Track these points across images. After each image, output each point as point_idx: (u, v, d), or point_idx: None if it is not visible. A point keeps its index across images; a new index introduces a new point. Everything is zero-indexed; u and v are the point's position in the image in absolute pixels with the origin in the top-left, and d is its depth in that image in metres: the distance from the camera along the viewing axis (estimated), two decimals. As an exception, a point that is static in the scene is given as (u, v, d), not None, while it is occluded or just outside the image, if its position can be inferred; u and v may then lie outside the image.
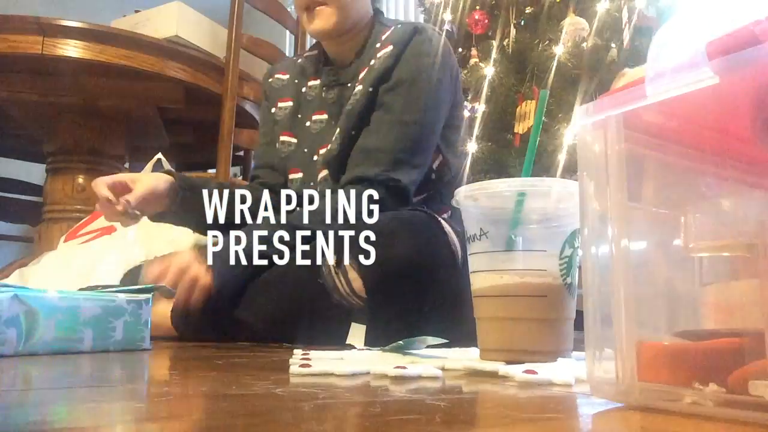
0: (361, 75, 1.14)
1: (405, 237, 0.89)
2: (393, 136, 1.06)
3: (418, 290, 0.91)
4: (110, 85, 1.87)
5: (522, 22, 2.15)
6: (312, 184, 1.16)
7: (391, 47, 1.11)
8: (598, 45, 1.90)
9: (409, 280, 0.89)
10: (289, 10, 2.43)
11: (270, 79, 1.31)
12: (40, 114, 1.99)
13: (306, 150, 1.20)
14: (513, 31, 2.09)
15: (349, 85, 1.17)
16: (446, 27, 2.29)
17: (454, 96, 1.17)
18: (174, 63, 1.85)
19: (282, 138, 1.23)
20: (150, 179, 1.10)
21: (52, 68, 1.76)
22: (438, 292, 0.94)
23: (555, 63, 1.87)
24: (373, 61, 1.13)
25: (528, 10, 2.13)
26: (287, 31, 2.30)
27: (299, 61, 1.31)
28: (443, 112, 1.13)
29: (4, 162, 2.51)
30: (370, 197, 0.98)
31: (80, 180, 1.98)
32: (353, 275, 0.89)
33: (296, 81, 1.27)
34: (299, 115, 1.23)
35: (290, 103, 1.25)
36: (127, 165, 2.37)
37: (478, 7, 2.17)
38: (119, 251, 1.49)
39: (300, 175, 1.19)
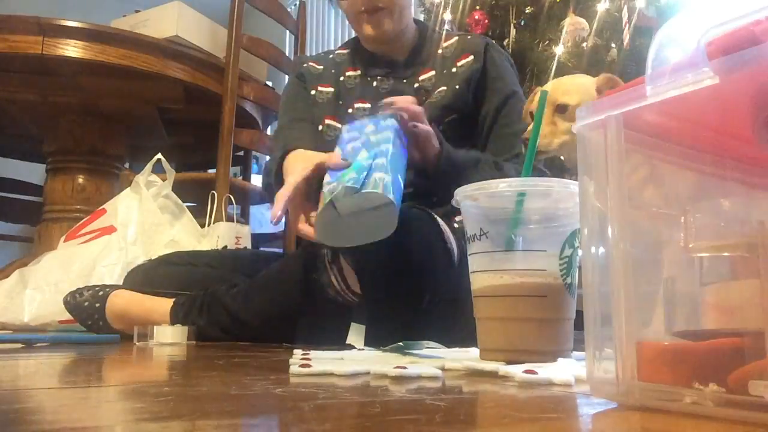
0: (426, 75, 1.22)
1: (401, 234, 0.88)
2: (521, 147, 1.14)
3: (413, 288, 0.92)
4: (110, 85, 1.87)
5: (522, 22, 2.14)
6: None
7: (472, 57, 1.21)
8: (598, 45, 1.90)
9: (404, 277, 0.89)
10: (289, 10, 2.43)
11: (305, 65, 1.32)
12: (40, 114, 1.99)
13: None
14: (513, 31, 2.09)
15: (405, 81, 1.23)
16: (446, 27, 2.29)
17: None
18: (174, 63, 1.85)
19: (327, 122, 1.23)
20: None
21: (52, 68, 1.76)
22: (434, 291, 0.94)
23: (555, 63, 1.87)
24: (454, 69, 1.21)
25: (528, 10, 2.13)
26: (287, 31, 2.30)
27: (330, 56, 1.34)
28: None
29: (4, 162, 2.51)
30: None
31: (80, 180, 1.99)
32: (348, 271, 0.90)
33: (333, 71, 1.29)
34: (341, 102, 1.25)
35: (331, 89, 1.26)
36: (127, 165, 2.37)
37: (478, 7, 2.17)
38: (119, 251, 1.49)
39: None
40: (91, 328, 1.09)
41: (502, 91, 1.20)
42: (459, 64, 1.21)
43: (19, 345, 0.83)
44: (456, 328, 0.97)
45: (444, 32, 1.30)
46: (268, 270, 1.00)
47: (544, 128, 1.03)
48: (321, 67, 1.31)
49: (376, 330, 0.93)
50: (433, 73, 1.22)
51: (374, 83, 1.24)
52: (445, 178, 0.99)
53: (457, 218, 1.11)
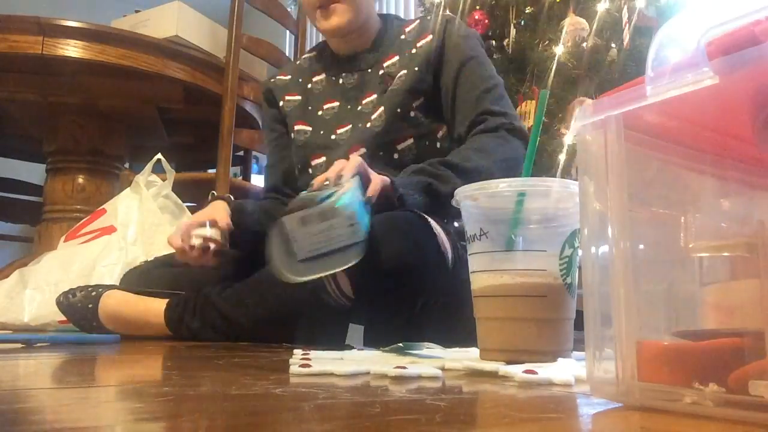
0: (391, 61, 1.21)
1: (393, 238, 0.88)
2: (487, 103, 1.14)
3: (407, 291, 0.91)
4: (110, 85, 1.87)
5: (522, 22, 2.14)
6: None
7: (430, 36, 1.19)
8: (598, 45, 1.90)
9: (397, 281, 0.89)
10: (289, 10, 2.43)
11: (272, 80, 1.35)
12: (40, 114, 1.99)
13: (322, 132, 1.23)
14: (513, 31, 2.09)
15: (369, 70, 1.22)
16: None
17: None
18: (174, 63, 1.85)
19: (297, 127, 1.26)
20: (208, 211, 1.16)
21: (52, 68, 1.76)
22: (428, 293, 0.94)
23: (555, 63, 1.87)
24: (414, 50, 1.19)
25: (528, 10, 2.13)
26: (287, 31, 2.30)
27: (297, 63, 1.36)
28: None
29: (4, 162, 2.51)
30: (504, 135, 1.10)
31: (80, 180, 1.99)
32: (341, 275, 0.89)
33: (300, 80, 1.31)
34: (309, 107, 1.27)
35: (298, 97, 1.29)
36: (127, 165, 2.37)
37: (478, 7, 2.17)
38: (119, 251, 1.49)
39: (323, 159, 1.21)
40: (83, 328, 1.08)
41: (457, 59, 1.17)
42: (419, 45, 1.20)
43: (19, 345, 0.83)
44: (454, 328, 0.96)
45: (400, 19, 1.29)
46: (262, 271, 1.00)
47: None
48: (288, 77, 1.33)
49: (374, 331, 0.93)
50: (397, 57, 1.21)
51: (340, 80, 1.26)
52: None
53: (456, 223, 1.12)
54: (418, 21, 1.25)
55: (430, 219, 0.95)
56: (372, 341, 0.90)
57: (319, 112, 1.25)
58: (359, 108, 1.20)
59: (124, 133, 2.11)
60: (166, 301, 1.06)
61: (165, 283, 1.13)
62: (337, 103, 1.24)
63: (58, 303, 1.10)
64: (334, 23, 1.19)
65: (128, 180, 1.88)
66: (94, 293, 1.08)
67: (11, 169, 2.61)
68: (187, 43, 1.94)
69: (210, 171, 2.33)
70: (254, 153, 2.66)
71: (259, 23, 2.39)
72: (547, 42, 1.96)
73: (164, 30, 1.91)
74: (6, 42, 1.67)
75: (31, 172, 2.61)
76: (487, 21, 2.14)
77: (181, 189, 1.71)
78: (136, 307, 1.07)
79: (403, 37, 1.23)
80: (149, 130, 2.17)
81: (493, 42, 2.09)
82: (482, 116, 1.12)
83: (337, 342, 0.94)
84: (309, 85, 1.29)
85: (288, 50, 3.35)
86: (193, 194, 2.04)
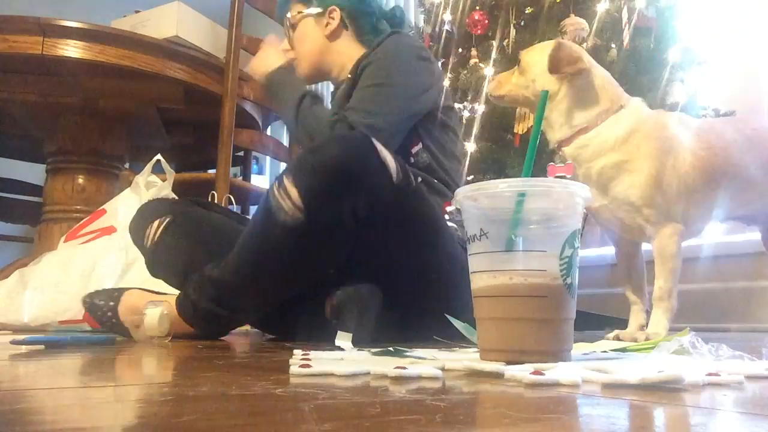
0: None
1: (331, 144, 0.97)
2: (360, 95, 1.21)
3: (349, 196, 0.96)
4: (110, 85, 1.88)
5: (522, 22, 2.15)
6: None
7: (368, 48, 1.31)
8: (598, 45, 1.90)
9: (339, 183, 0.95)
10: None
11: None
12: (40, 114, 1.99)
13: None
14: (513, 32, 2.09)
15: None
16: (446, 27, 2.29)
17: (438, 95, 1.28)
18: (174, 63, 1.85)
19: None
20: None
21: (52, 68, 1.76)
22: (372, 201, 0.98)
23: (555, 63, 1.87)
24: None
25: (528, 10, 2.13)
26: (287, 32, 2.30)
27: None
28: (415, 90, 1.24)
29: (4, 162, 2.51)
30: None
31: (80, 180, 1.99)
32: (291, 187, 0.96)
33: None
34: None
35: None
36: (127, 165, 2.37)
37: (478, 8, 2.17)
38: (119, 251, 1.49)
39: None
40: (104, 325, 1.12)
41: (368, 67, 1.24)
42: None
43: (42, 347, 0.84)
44: (417, 293, 1.05)
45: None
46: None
47: (504, 76, 1.18)
48: None
49: (324, 251, 1.00)
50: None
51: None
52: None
53: (414, 149, 1.24)
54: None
55: (374, 140, 1.00)
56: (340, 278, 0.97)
57: None
58: None
59: (124, 133, 2.11)
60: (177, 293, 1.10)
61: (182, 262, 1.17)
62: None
63: (84, 302, 1.14)
64: (297, 73, 1.38)
65: (128, 180, 1.87)
66: (116, 293, 1.13)
67: (11, 169, 2.61)
68: (187, 43, 1.94)
69: (210, 171, 2.33)
70: (254, 153, 2.66)
71: (259, 23, 2.39)
72: (547, 42, 1.96)
73: (164, 30, 1.91)
74: (6, 42, 1.67)
75: (31, 172, 2.61)
76: (487, 21, 2.14)
77: (181, 189, 1.71)
78: (151, 300, 1.10)
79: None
80: (149, 130, 2.16)
81: (493, 42, 2.09)
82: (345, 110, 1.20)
83: (318, 333, 0.97)
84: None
85: (288, 50, 3.34)
86: (193, 194, 2.03)
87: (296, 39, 1.40)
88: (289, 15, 1.41)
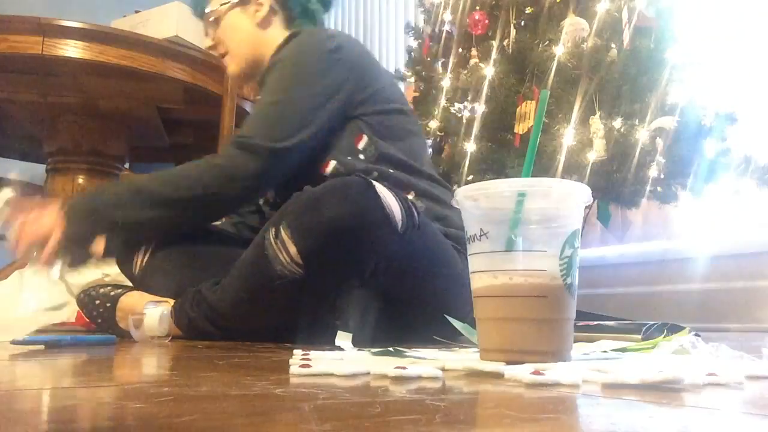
0: None
1: (331, 200, 0.91)
2: (261, 113, 1.13)
3: (352, 253, 0.93)
4: (110, 85, 1.88)
5: (522, 23, 2.15)
6: None
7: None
8: (598, 45, 1.90)
9: (341, 242, 0.90)
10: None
11: None
12: (40, 114, 1.99)
13: None
14: (513, 32, 2.09)
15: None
16: (446, 27, 2.29)
17: (359, 83, 1.17)
18: (174, 63, 1.85)
19: None
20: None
21: (52, 68, 1.76)
22: (378, 256, 0.94)
23: (555, 63, 1.87)
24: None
25: (528, 10, 2.13)
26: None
27: None
28: (323, 93, 1.13)
29: (4, 162, 2.51)
30: (213, 164, 1.09)
31: (80, 180, 1.99)
32: (289, 243, 0.91)
33: None
34: None
35: None
36: (127, 165, 2.37)
37: (478, 8, 2.17)
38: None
39: None
40: (98, 325, 1.12)
41: (266, 69, 1.18)
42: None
43: (42, 347, 0.84)
44: (417, 294, 1.02)
45: None
46: (239, 260, 1.03)
47: None
48: None
49: (326, 301, 0.96)
50: None
51: None
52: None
53: (360, 145, 1.16)
54: None
55: (375, 182, 0.95)
56: (338, 319, 0.94)
57: None
58: None
59: (124, 133, 2.11)
60: (173, 300, 1.09)
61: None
62: None
63: (78, 300, 1.13)
64: (229, 72, 1.31)
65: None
66: (113, 293, 1.12)
67: (11, 169, 2.61)
68: (187, 43, 1.94)
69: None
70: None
71: (259, 23, 2.38)
72: (547, 42, 1.96)
73: (164, 30, 1.92)
74: (6, 42, 1.67)
75: (31, 172, 2.61)
76: (487, 21, 2.14)
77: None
78: (152, 300, 1.10)
79: None
80: (149, 130, 2.17)
81: (493, 42, 2.09)
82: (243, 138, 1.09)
83: (328, 339, 0.96)
84: None
85: (288, 50, 3.34)
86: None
87: (224, 34, 1.27)
88: (208, 9, 1.27)
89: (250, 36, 1.27)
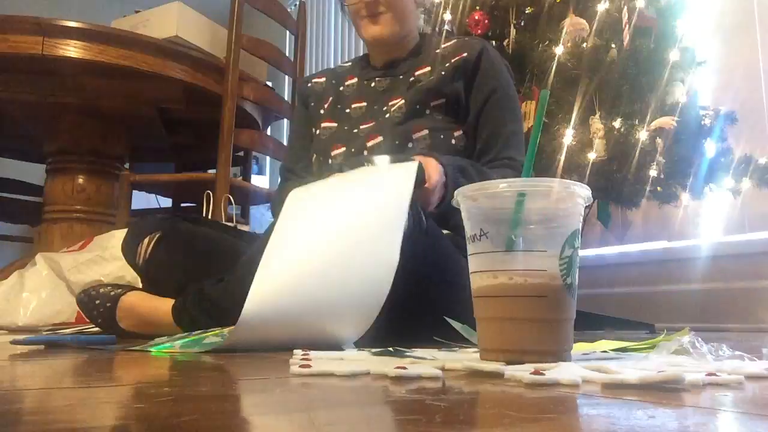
0: (423, 71, 1.28)
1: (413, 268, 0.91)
2: (512, 151, 1.24)
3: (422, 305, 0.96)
4: (110, 85, 1.88)
5: (522, 23, 2.14)
6: (362, 153, 1.24)
7: (466, 53, 1.26)
8: (598, 45, 1.90)
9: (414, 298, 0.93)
10: (289, 10, 2.42)
11: (309, 84, 1.44)
12: (40, 114, 1.99)
13: (347, 128, 1.31)
14: (513, 32, 2.09)
15: (401, 77, 1.30)
16: (446, 27, 2.29)
17: None
18: (174, 63, 1.85)
19: (323, 125, 1.34)
20: None
21: (52, 68, 1.76)
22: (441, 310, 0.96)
23: (555, 63, 1.87)
24: (447, 63, 1.26)
25: (528, 10, 2.13)
26: (287, 32, 2.30)
27: (334, 67, 1.47)
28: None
29: (4, 162, 2.51)
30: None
31: (80, 180, 1.99)
32: None
33: (333, 82, 1.40)
34: (338, 106, 1.36)
35: (330, 98, 1.38)
36: (127, 165, 2.37)
37: (478, 8, 2.17)
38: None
39: (343, 149, 1.27)
40: (98, 324, 1.12)
41: (488, 84, 1.25)
42: (453, 60, 1.27)
43: (42, 347, 0.84)
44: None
45: (444, 34, 1.36)
46: (245, 260, 1.02)
47: None
48: (323, 79, 1.42)
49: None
50: (428, 68, 1.28)
51: (372, 84, 1.34)
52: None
53: (456, 134, 1.23)
54: (455, 40, 1.32)
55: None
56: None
57: (347, 110, 1.33)
58: (384, 108, 1.27)
59: (124, 133, 2.11)
60: (172, 300, 1.09)
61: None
62: (364, 103, 1.31)
63: (78, 299, 1.13)
64: (378, 32, 1.28)
65: (128, 180, 1.88)
66: (113, 293, 1.12)
67: (11, 169, 2.61)
68: (187, 43, 1.94)
69: (210, 171, 2.34)
70: (254, 153, 2.66)
71: (259, 23, 2.39)
72: (547, 42, 1.96)
73: (164, 30, 1.92)
74: (6, 42, 1.67)
75: (31, 172, 2.61)
76: (487, 21, 2.14)
77: (181, 189, 1.71)
78: (150, 304, 1.10)
79: (438, 51, 1.29)
80: (149, 130, 2.17)
81: (493, 42, 2.09)
82: (506, 160, 1.22)
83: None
84: (341, 88, 1.37)
85: (288, 50, 3.35)
86: (194, 194, 2.03)
87: None
88: None
89: (413, 9, 1.33)
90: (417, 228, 0.96)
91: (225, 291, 1.01)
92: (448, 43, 1.31)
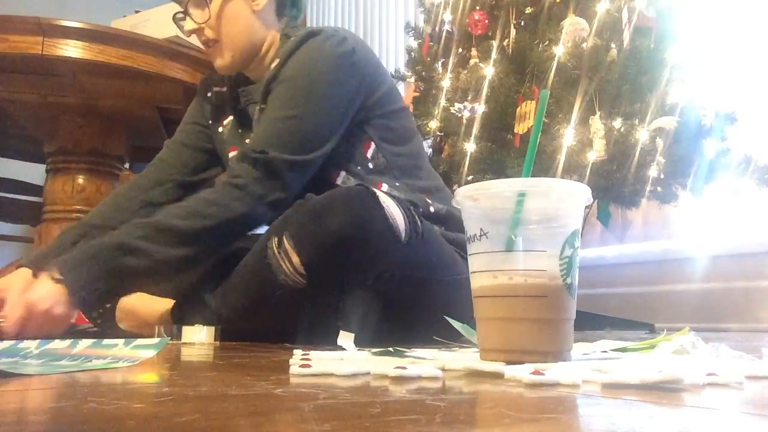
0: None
1: (334, 211, 0.91)
2: (275, 128, 1.07)
3: (356, 264, 0.94)
4: (110, 85, 1.87)
5: (522, 23, 2.15)
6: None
7: (278, 60, 1.14)
8: (598, 45, 1.90)
9: (344, 253, 0.91)
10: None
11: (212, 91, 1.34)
12: (40, 114, 1.99)
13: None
14: (513, 32, 2.09)
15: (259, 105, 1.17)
16: (446, 27, 2.29)
17: (374, 88, 1.15)
18: (174, 63, 1.85)
19: (225, 122, 1.31)
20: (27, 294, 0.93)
21: (52, 68, 1.76)
22: (380, 268, 0.96)
23: (555, 63, 1.87)
24: (267, 76, 1.14)
25: (528, 10, 2.13)
26: (287, 32, 2.30)
27: (211, 96, 1.34)
28: (341, 103, 1.10)
29: (4, 162, 2.51)
30: (235, 185, 1.02)
31: (80, 180, 1.99)
32: (292, 253, 0.92)
33: (210, 122, 1.33)
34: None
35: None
36: (127, 165, 2.37)
37: (478, 8, 2.17)
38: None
39: (236, 152, 1.22)
40: (97, 325, 1.12)
41: (280, 77, 1.11)
42: (270, 69, 1.15)
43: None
44: (417, 304, 1.02)
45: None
46: (240, 265, 1.03)
47: None
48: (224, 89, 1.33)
49: (327, 309, 0.96)
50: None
51: (237, 129, 1.27)
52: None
53: (368, 153, 1.14)
54: (289, 40, 1.16)
55: (378, 191, 0.95)
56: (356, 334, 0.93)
57: (220, 129, 1.31)
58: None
59: (124, 133, 2.11)
60: (173, 301, 1.09)
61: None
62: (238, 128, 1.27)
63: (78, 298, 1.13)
64: (217, 64, 1.19)
65: (128, 180, 1.87)
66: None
67: (11, 169, 2.61)
68: (187, 43, 1.93)
69: (210, 171, 2.33)
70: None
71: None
72: (547, 42, 1.96)
73: (164, 30, 1.91)
74: (6, 42, 1.67)
75: (31, 172, 2.61)
76: (487, 21, 2.14)
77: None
78: (149, 305, 1.10)
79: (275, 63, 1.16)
80: (149, 130, 2.16)
81: (493, 42, 2.09)
82: (257, 154, 1.04)
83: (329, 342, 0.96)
84: (220, 129, 1.31)
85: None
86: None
87: (221, 22, 1.15)
88: None
89: (248, 25, 1.17)
90: (414, 234, 0.96)
91: (223, 300, 1.02)
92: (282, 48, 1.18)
